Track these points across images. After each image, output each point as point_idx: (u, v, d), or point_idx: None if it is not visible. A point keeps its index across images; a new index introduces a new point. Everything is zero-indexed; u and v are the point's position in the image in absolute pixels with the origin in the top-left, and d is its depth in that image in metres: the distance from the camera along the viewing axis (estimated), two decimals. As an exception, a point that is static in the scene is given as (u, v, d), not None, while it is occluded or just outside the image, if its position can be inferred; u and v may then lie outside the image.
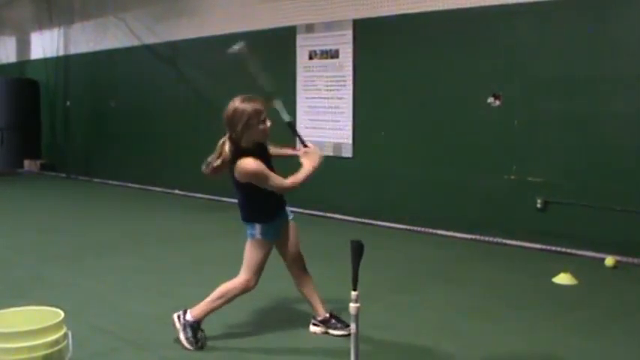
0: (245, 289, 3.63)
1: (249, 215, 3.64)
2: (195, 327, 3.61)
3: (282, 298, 4.49)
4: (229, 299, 3.65)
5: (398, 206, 7.35)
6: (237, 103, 3.52)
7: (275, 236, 3.67)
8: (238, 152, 3.47)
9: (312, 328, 3.88)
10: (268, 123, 3.57)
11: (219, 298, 3.64)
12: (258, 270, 3.62)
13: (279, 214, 3.70)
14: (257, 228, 3.59)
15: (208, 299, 3.66)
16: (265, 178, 3.45)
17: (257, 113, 3.50)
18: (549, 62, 6.11)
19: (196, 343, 3.59)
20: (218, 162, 3.52)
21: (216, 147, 3.56)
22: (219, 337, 3.74)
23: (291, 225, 3.80)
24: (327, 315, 3.84)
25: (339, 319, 3.83)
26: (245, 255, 3.64)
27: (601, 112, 5.83)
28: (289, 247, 3.78)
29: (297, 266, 3.82)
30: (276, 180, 3.48)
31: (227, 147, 3.52)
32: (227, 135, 3.55)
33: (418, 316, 4.23)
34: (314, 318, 3.88)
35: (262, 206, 3.61)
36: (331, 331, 3.81)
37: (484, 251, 6.22)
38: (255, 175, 3.44)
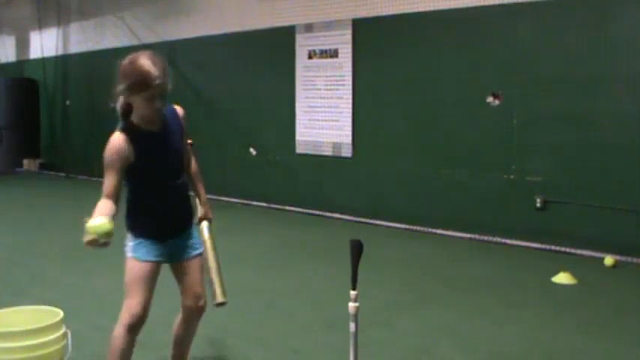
0: (128, 323, 2.81)
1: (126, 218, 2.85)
2: None
3: (280, 299, 4.48)
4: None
5: (397, 206, 7.34)
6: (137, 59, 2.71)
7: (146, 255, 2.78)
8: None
9: None
10: (158, 104, 2.70)
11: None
12: (135, 293, 2.78)
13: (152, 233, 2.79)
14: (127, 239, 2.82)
15: None
16: (105, 169, 2.65)
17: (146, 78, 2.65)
18: (549, 62, 6.11)
19: None
20: None
21: None
22: (219, 337, 3.74)
23: (193, 262, 2.93)
24: None
25: None
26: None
27: (601, 111, 5.83)
28: (185, 289, 2.96)
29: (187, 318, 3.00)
30: (106, 182, 2.67)
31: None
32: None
33: (418, 316, 4.23)
34: None
35: (132, 208, 2.80)
36: None
37: (483, 251, 6.22)
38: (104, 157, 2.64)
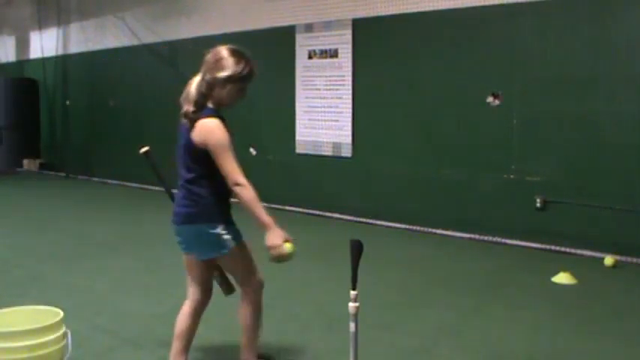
0: (258, 293, 3.12)
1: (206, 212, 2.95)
2: None
3: (279, 299, 4.48)
4: (257, 315, 3.15)
5: (397, 206, 7.34)
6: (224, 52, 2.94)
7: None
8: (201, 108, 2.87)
9: None
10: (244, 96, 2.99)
11: (250, 326, 3.13)
12: (255, 267, 3.09)
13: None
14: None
15: (244, 338, 3.14)
16: (226, 152, 2.82)
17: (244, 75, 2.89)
18: (549, 62, 6.11)
19: None
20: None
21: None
22: (218, 337, 3.74)
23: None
24: None
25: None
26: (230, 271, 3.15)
27: (601, 111, 5.83)
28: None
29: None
30: (232, 165, 2.83)
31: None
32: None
33: (418, 316, 4.23)
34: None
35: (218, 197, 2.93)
36: None
37: (483, 251, 6.22)
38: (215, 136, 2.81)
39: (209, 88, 2.89)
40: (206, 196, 2.93)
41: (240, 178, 2.81)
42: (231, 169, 2.81)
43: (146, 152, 3.44)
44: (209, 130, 2.84)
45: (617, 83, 5.74)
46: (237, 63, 2.92)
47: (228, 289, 3.43)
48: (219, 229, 2.92)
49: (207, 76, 2.90)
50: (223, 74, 2.88)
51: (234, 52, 2.97)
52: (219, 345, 3.71)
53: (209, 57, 2.98)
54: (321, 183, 8.11)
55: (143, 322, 4.09)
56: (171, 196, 3.30)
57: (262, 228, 2.80)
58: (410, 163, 7.24)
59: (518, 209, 6.35)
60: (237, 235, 2.97)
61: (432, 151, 7.05)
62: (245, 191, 2.79)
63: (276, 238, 2.77)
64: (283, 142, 8.38)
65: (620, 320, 4.19)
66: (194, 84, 2.97)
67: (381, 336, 3.81)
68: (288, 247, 2.81)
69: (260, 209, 2.79)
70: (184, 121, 2.97)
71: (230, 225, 2.95)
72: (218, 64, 2.92)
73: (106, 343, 3.70)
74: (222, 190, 2.90)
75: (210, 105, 2.91)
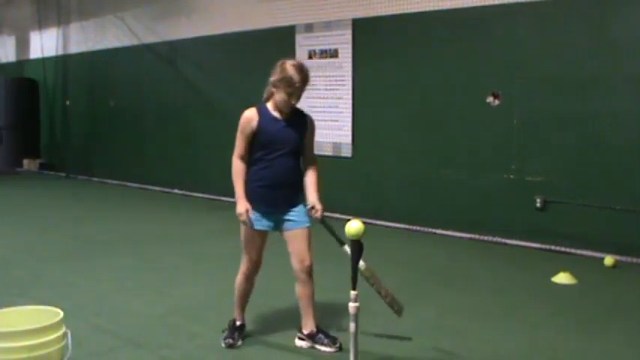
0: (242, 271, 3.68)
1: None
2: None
3: (281, 297, 4.48)
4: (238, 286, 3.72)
5: (397, 206, 7.35)
6: (287, 64, 3.47)
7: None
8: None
9: (298, 342, 3.67)
10: (294, 101, 3.49)
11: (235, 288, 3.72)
12: (248, 251, 3.66)
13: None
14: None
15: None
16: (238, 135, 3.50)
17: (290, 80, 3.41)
18: (549, 62, 6.11)
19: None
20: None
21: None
22: (218, 337, 3.74)
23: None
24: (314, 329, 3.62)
25: (326, 334, 3.62)
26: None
27: (600, 111, 5.83)
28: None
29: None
30: (237, 146, 3.50)
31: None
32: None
33: (418, 316, 4.23)
34: (299, 331, 3.68)
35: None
36: (318, 347, 3.58)
37: (483, 251, 6.22)
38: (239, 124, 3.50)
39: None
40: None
41: (233, 155, 3.49)
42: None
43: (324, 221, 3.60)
44: None
45: (617, 83, 5.74)
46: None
47: (398, 310, 3.68)
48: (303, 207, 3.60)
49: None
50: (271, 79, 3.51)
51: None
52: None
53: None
54: (321, 183, 8.09)
55: (143, 322, 4.09)
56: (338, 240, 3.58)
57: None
58: (410, 163, 7.24)
59: (518, 209, 6.35)
60: (251, 221, 3.46)
61: (432, 151, 7.05)
62: (232, 166, 3.49)
63: (239, 207, 3.42)
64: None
65: (620, 320, 4.19)
66: None
67: (381, 336, 3.81)
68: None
69: (236, 183, 3.46)
70: None
71: (254, 209, 3.48)
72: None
73: (106, 343, 3.70)
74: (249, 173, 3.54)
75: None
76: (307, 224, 3.57)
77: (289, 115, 3.52)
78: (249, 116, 3.47)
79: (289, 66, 3.41)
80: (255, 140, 3.46)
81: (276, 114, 3.50)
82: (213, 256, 5.89)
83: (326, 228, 3.52)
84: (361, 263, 3.38)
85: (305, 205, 3.56)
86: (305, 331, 3.63)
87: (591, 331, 3.95)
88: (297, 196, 3.58)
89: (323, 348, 3.56)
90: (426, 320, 4.16)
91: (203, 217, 8.15)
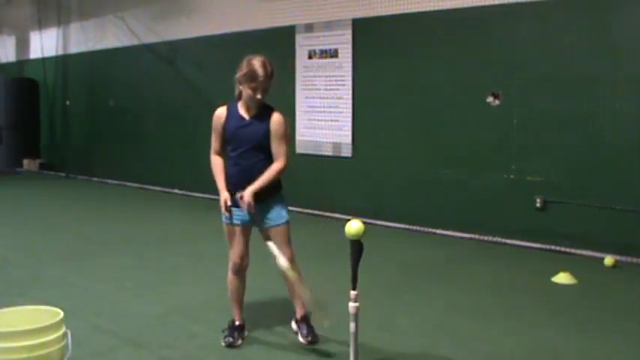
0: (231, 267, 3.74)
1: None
2: None
3: (278, 298, 4.48)
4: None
5: (397, 206, 7.35)
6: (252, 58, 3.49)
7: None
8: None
9: (293, 325, 3.87)
10: (259, 95, 3.47)
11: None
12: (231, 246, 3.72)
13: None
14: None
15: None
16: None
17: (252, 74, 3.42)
18: (549, 62, 6.11)
19: None
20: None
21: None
22: (218, 337, 3.74)
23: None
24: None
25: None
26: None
27: (600, 111, 5.83)
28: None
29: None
30: (212, 143, 3.68)
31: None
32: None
33: (418, 316, 4.23)
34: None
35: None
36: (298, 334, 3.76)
37: (483, 251, 6.22)
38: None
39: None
40: None
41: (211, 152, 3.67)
42: None
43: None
44: None
45: (617, 83, 5.74)
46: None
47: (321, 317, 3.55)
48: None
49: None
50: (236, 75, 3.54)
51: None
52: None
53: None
54: (321, 183, 8.11)
55: (143, 322, 4.09)
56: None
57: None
58: (410, 163, 7.24)
59: (518, 209, 6.35)
60: (229, 217, 3.57)
61: (432, 151, 7.05)
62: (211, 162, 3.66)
63: (221, 200, 3.53)
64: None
65: (620, 320, 4.19)
66: None
67: (380, 336, 3.81)
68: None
69: (215, 177, 3.63)
70: None
71: (231, 205, 3.54)
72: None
73: (106, 343, 3.70)
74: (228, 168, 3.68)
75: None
76: (283, 220, 3.63)
77: (257, 111, 3.57)
78: (218, 114, 3.64)
79: (254, 61, 3.45)
80: (225, 137, 3.62)
81: (243, 112, 3.59)
82: (213, 255, 5.88)
83: (252, 220, 3.55)
84: (283, 261, 3.46)
85: (283, 202, 3.65)
86: (297, 316, 3.81)
87: (591, 331, 3.95)
88: (267, 192, 3.53)
89: (300, 337, 3.71)
90: (426, 320, 4.17)
91: (203, 217, 8.15)
